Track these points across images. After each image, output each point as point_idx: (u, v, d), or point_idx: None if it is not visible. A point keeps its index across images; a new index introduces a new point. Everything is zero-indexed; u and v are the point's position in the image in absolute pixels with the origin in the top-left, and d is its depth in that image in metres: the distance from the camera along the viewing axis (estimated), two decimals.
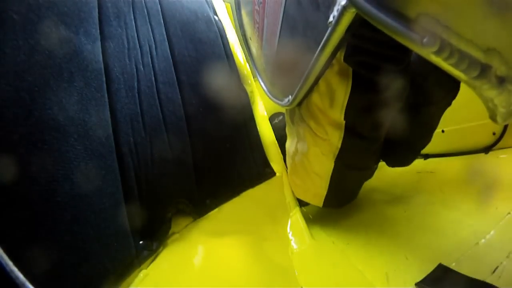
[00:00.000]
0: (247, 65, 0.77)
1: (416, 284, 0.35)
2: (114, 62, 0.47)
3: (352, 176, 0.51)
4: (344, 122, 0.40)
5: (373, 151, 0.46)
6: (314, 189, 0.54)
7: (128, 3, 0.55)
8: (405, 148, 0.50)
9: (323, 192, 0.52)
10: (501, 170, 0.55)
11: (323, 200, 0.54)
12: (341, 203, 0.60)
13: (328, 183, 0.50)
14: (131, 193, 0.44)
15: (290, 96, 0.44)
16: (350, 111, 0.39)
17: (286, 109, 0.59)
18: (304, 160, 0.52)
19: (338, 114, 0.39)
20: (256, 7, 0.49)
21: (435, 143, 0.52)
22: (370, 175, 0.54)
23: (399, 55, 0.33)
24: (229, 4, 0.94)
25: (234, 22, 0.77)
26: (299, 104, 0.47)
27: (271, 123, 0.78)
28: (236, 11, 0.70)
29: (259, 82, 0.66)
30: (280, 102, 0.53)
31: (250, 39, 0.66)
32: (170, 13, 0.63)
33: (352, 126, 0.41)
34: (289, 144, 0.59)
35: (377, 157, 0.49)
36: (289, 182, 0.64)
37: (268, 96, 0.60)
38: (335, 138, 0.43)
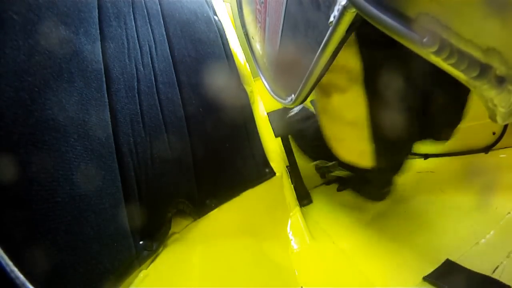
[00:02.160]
0: (247, 65, 0.77)
1: (423, 278, 0.35)
2: (114, 62, 0.47)
3: (396, 112, 0.39)
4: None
5: (409, 64, 0.33)
6: (357, 146, 0.44)
7: (128, 3, 0.55)
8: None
9: (368, 146, 0.42)
10: (501, 170, 0.55)
11: (371, 159, 0.44)
12: (396, 157, 0.49)
13: (369, 131, 0.40)
14: (131, 193, 0.44)
15: (293, 95, 0.44)
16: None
17: None
18: (333, 114, 0.43)
19: None
20: (258, 6, 0.50)
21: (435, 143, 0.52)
22: (413, 117, 0.41)
23: None
24: (229, 4, 0.94)
25: (235, 21, 0.77)
26: (302, 102, 0.46)
27: (285, 117, 0.74)
28: (238, 10, 0.70)
29: (262, 81, 0.66)
30: (283, 101, 0.52)
31: (253, 38, 0.66)
32: (170, 13, 0.63)
33: (365, 31, 0.30)
34: (317, 108, 0.51)
35: (419, 76, 0.36)
36: (333, 151, 0.52)
37: (271, 95, 0.60)
38: (351, 57, 0.34)
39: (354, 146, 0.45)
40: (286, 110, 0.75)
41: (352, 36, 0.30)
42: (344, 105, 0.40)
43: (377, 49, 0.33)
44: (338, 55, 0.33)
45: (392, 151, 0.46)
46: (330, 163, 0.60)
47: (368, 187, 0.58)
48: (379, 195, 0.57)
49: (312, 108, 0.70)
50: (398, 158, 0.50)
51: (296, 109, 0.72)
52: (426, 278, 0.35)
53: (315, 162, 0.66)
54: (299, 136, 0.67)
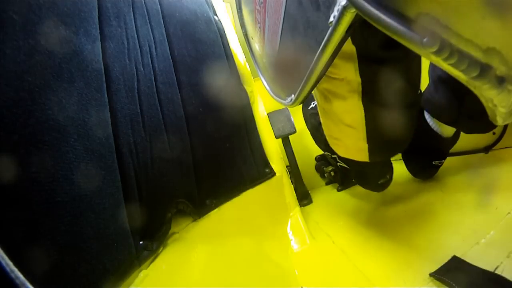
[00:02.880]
0: (247, 65, 0.77)
1: (430, 275, 0.35)
2: (114, 62, 0.47)
3: (389, 117, 0.43)
4: (354, 48, 0.35)
5: (400, 77, 0.39)
6: (354, 144, 0.49)
7: (128, 3, 0.55)
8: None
9: (364, 144, 0.46)
10: (501, 170, 0.55)
11: (368, 155, 0.48)
12: (388, 154, 0.54)
13: (365, 133, 0.44)
14: (131, 193, 0.44)
15: (292, 95, 0.44)
16: (357, 34, 0.34)
17: None
18: (333, 116, 0.47)
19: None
20: (257, 6, 0.49)
21: None
22: (411, 115, 0.46)
23: None
24: (229, 4, 0.94)
25: (235, 21, 0.77)
26: (302, 102, 0.46)
27: (305, 108, 0.77)
28: (237, 11, 0.70)
29: (262, 81, 0.66)
30: (282, 101, 0.52)
31: (252, 38, 0.66)
32: (170, 13, 0.63)
33: (364, 50, 0.35)
34: (318, 108, 0.55)
35: (409, 86, 0.42)
36: (332, 146, 0.58)
37: (271, 95, 0.60)
38: (351, 72, 0.37)
39: (352, 145, 0.50)
40: (308, 107, 0.79)
41: (354, 53, 0.36)
42: (343, 111, 0.44)
43: (375, 65, 0.37)
44: (341, 68, 0.38)
45: (385, 149, 0.51)
46: (333, 156, 0.67)
47: (367, 179, 0.63)
48: (378, 186, 0.62)
49: None
50: (390, 154, 0.56)
51: (314, 103, 0.75)
52: (433, 274, 0.35)
53: (325, 153, 0.74)
54: (316, 129, 0.71)
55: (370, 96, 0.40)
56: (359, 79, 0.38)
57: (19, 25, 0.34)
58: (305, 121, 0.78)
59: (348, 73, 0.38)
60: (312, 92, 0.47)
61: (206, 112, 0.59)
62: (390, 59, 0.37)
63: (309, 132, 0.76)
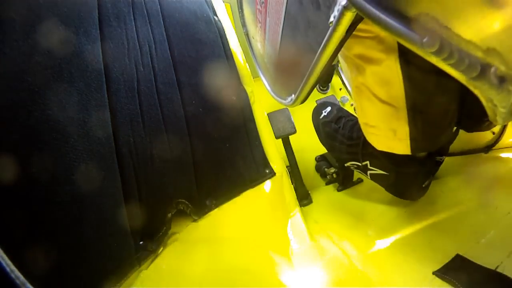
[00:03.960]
0: (247, 65, 0.77)
1: (433, 273, 0.35)
2: (114, 63, 0.47)
3: (432, 87, 0.36)
4: None
5: None
6: (393, 130, 0.42)
7: (128, 4, 0.55)
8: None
9: (405, 128, 0.40)
10: (501, 170, 0.55)
11: (409, 144, 0.41)
12: (433, 141, 0.45)
13: (406, 111, 0.38)
14: (131, 193, 0.44)
15: (293, 95, 0.44)
16: None
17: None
18: (368, 93, 0.41)
19: None
20: (259, 6, 0.50)
21: None
22: (456, 88, 0.38)
23: None
24: (229, 5, 0.94)
25: (235, 21, 0.77)
26: (302, 102, 0.46)
27: (317, 118, 0.71)
28: (239, 11, 0.70)
29: (262, 81, 0.66)
30: (283, 101, 0.52)
31: (253, 38, 0.66)
32: (169, 13, 0.63)
33: None
34: (352, 89, 0.48)
35: None
36: (367, 137, 0.50)
37: (271, 95, 0.60)
38: None
39: (390, 132, 0.43)
40: (319, 117, 0.71)
41: None
42: (379, 80, 0.38)
43: None
44: (370, 25, 0.31)
45: (429, 135, 0.43)
46: (362, 164, 0.58)
47: (410, 183, 0.54)
48: (421, 190, 0.53)
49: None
50: (436, 142, 0.46)
51: (326, 111, 0.70)
52: (436, 273, 0.35)
53: (347, 164, 0.64)
54: (332, 137, 0.64)
55: (410, 56, 0.33)
56: None
57: (19, 25, 0.34)
58: (317, 133, 0.72)
59: None
60: (342, 69, 0.43)
61: (206, 112, 0.59)
62: None
63: (309, 132, 0.75)
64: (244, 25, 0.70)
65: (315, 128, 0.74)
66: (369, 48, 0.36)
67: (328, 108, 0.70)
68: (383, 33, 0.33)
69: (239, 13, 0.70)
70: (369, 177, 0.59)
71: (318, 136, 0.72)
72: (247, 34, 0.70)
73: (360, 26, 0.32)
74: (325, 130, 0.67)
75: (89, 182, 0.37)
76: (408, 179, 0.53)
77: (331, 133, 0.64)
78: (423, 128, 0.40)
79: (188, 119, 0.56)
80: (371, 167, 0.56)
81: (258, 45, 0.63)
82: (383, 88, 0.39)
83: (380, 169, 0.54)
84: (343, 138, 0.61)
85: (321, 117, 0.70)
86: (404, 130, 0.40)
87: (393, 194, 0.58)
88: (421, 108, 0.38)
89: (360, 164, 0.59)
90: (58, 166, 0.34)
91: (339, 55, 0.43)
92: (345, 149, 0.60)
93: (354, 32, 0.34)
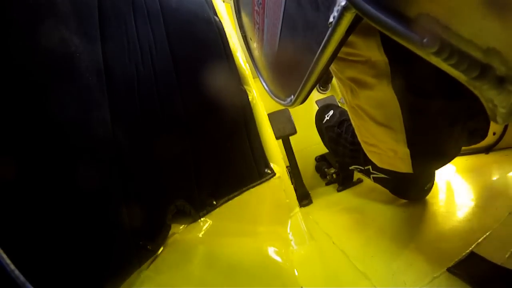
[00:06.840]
0: (247, 65, 0.77)
1: (447, 269, 0.35)
2: (114, 63, 0.47)
3: (430, 109, 0.35)
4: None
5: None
6: (393, 150, 0.41)
7: (128, 3, 0.55)
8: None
9: (405, 149, 0.39)
10: (501, 170, 0.55)
11: (411, 163, 0.40)
12: (435, 162, 0.45)
13: (404, 133, 0.37)
14: (131, 193, 0.44)
15: (292, 96, 0.44)
16: None
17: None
18: (364, 115, 0.40)
19: None
20: (256, 7, 0.49)
21: None
22: (457, 108, 0.36)
23: None
24: (229, 5, 0.94)
25: (234, 22, 0.77)
26: (302, 103, 0.46)
27: (320, 122, 0.71)
28: (236, 12, 0.70)
29: (261, 82, 0.66)
30: (282, 102, 0.52)
31: (251, 39, 0.66)
32: (170, 13, 0.63)
33: None
34: (348, 109, 0.47)
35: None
36: (368, 155, 0.49)
37: (270, 96, 0.60)
38: (374, 50, 0.31)
39: (391, 151, 0.42)
40: (322, 121, 0.71)
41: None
42: (374, 104, 0.37)
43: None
44: (362, 47, 0.32)
45: (431, 155, 0.42)
46: (365, 168, 0.58)
47: (411, 186, 0.54)
48: (423, 192, 0.54)
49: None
50: (439, 162, 0.45)
51: (329, 115, 0.69)
52: (450, 269, 0.35)
53: (351, 167, 0.64)
54: (336, 142, 0.64)
55: (402, 81, 0.32)
56: (385, 58, 0.31)
57: (19, 25, 0.34)
58: (321, 137, 0.72)
59: (371, 51, 0.31)
60: (338, 88, 0.42)
61: (206, 112, 0.59)
62: None
63: (309, 133, 0.76)
64: (241, 26, 0.70)
65: (318, 132, 0.75)
66: (361, 72, 0.35)
67: (331, 112, 0.70)
68: (374, 58, 0.32)
69: (236, 15, 0.70)
70: (372, 180, 0.60)
71: (322, 140, 0.74)
72: (244, 36, 0.70)
73: (350, 50, 0.33)
74: (328, 135, 0.68)
75: (89, 182, 0.37)
76: (410, 183, 0.53)
77: (334, 137, 0.65)
78: (423, 150, 0.39)
79: (188, 119, 0.56)
80: (373, 171, 0.57)
81: (255, 46, 0.63)
82: (379, 110, 0.38)
83: (382, 173, 0.54)
84: (345, 143, 0.62)
85: (324, 121, 0.71)
86: (404, 151, 0.39)
87: (397, 196, 0.59)
88: (420, 130, 0.37)
89: (362, 168, 0.59)
90: (58, 165, 0.34)
91: (333, 74, 0.43)
92: (348, 154, 0.61)
93: (344, 57, 0.35)
